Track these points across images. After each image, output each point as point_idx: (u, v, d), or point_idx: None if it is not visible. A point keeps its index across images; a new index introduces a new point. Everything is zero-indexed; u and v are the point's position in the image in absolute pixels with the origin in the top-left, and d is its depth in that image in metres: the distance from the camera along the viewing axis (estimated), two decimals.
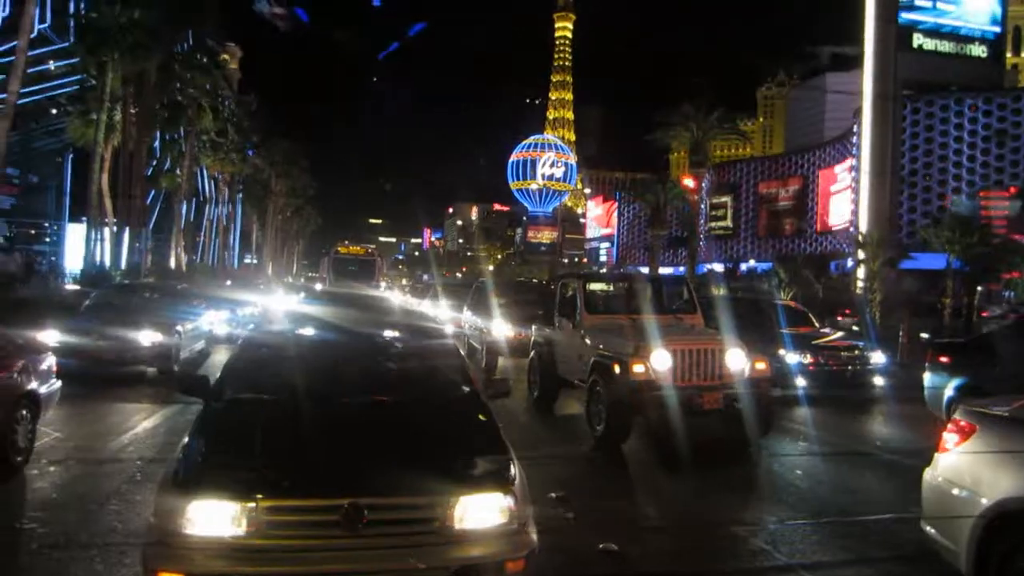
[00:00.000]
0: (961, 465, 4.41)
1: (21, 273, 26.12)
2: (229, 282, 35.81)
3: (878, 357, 12.30)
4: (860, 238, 34.33)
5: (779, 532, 5.90)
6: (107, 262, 26.10)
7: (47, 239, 43.19)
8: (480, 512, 3.80)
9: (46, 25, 28.49)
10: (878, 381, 11.91)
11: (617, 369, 8.86)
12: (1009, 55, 78.72)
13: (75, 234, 34.83)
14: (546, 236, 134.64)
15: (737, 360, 8.93)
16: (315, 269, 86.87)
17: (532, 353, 11.87)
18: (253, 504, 3.60)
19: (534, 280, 20.44)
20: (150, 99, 26.39)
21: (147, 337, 12.33)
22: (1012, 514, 3.90)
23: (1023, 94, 50.55)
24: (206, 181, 44.72)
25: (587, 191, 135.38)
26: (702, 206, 76.42)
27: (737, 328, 10.09)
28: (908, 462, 8.67)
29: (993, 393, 8.45)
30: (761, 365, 9.06)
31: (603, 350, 9.39)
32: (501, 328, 15.04)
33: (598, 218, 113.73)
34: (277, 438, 4.18)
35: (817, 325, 14.34)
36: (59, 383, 7.89)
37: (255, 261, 63.95)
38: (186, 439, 4.24)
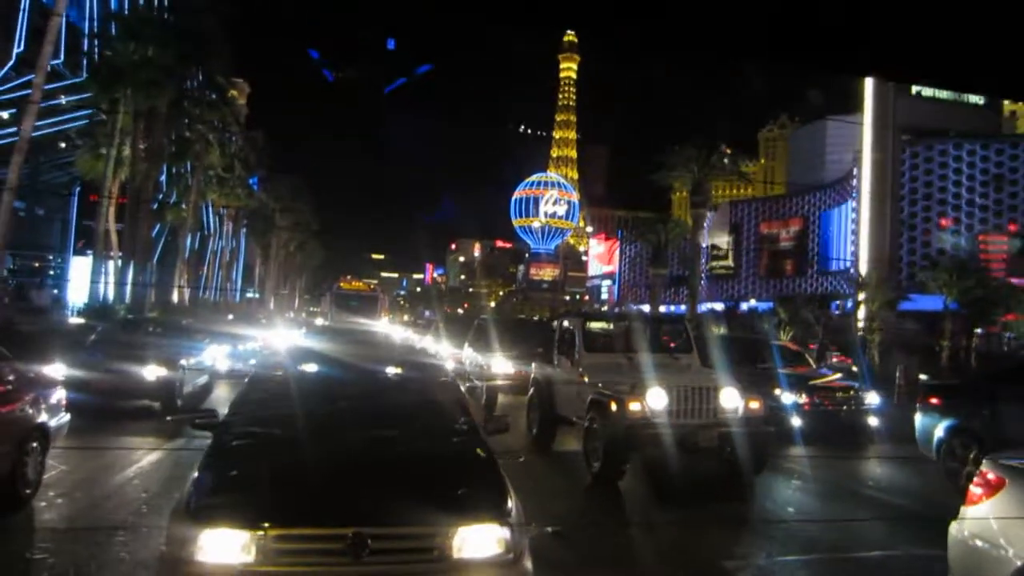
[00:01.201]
0: (990, 520, 4.19)
1: (48, 307, 26.34)
2: (231, 316, 36.00)
3: (873, 398, 12.45)
4: (860, 279, 34.60)
5: (767, 567, 6.06)
6: (111, 296, 26.38)
7: (51, 272, 43.56)
8: (477, 542, 3.97)
9: (59, 61, 29.06)
10: (873, 422, 12.04)
11: (614, 407, 9.02)
12: (1008, 102, 79.81)
13: (79, 267, 35.17)
14: (548, 273, 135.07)
15: (732, 399, 9.10)
16: (317, 304, 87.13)
17: (531, 390, 12.03)
18: (262, 533, 3.79)
19: (535, 317, 20.66)
20: (159, 134, 26.85)
21: (151, 372, 12.54)
22: None
23: (1020, 140, 51.15)
24: (210, 215, 45.18)
25: (589, 229, 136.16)
26: (704, 246, 77.06)
27: (732, 367, 10.26)
28: (899, 501, 9.15)
29: (982, 435, 8.67)
30: (755, 404, 9.22)
31: (601, 388, 9.55)
32: (501, 365, 15.21)
33: (600, 256, 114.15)
34: (284, 470, 4.34)
35: (813, 365, 14.49)
36: (68, 416, 7.99)
37: (257, 295, 64.21)
38: (196, 471, 4.43)
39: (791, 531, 7.37)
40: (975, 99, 52.71)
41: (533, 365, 12.35)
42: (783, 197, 77.13)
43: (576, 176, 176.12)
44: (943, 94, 51.68)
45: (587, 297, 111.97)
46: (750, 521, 7.81)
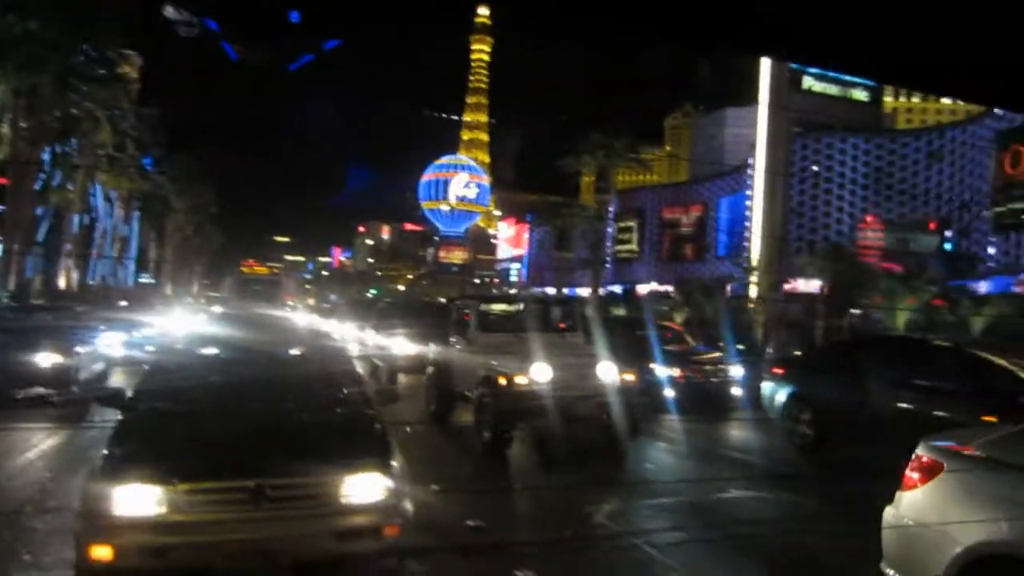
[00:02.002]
0: (927, 506, 4.18)
1: None
2: (124, 303, 34.75)
3: (737, 371, 13.62)
4: (749, 264, 36.57)
5: (619, 510, 7.11)
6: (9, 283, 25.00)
7: None
8: (363, 489, 4.67)
9: None
10: (736, 392, 13.21)
11: (502, 381, 9.62)
12: (891, 99, 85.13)
13: None
14: (458, 256, 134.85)
15: (609, 372, 9.83)
16: (217, 289, 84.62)
17: (430, 369, 12.50)
18: (172, 487, 4.31)
19: (440, 300, 21.10)
20: (42, 113, 25.49)
21: (46, 359, 12.41)
22: (985, 560, 3.74)
23: (898, 135, 54.72)
24: (100, 197, 43.18)
25: (497, 212, 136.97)
26: (609, 230, 79.00)
27: (615, 345, 11.00)
28: (742, 456, 10.52)
29: (812, 400, 9.93)
30: (630, 377, 10.04)
31: (491, 364, 10.10)
32: (401, 346, 15.57)
33: (510, 239, 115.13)
34: (190, 435, 4.89)
35: (692, 343, 15.53)
36: None
37: (152, 281, 61.89)
38: (108, 440, 4.85)
39: (648, 484, 8.50)
40: (860, 95, 55.98)
41: (431, 345, 12.79)
42: (685, 184, 79.79)
43: (487, 159, 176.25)
44: (832, 89, 54.67)
45: (497, 280, 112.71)
46: (617, 477, 8.69)
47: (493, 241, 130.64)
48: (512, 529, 6.56)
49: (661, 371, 12.59)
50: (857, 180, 53.10)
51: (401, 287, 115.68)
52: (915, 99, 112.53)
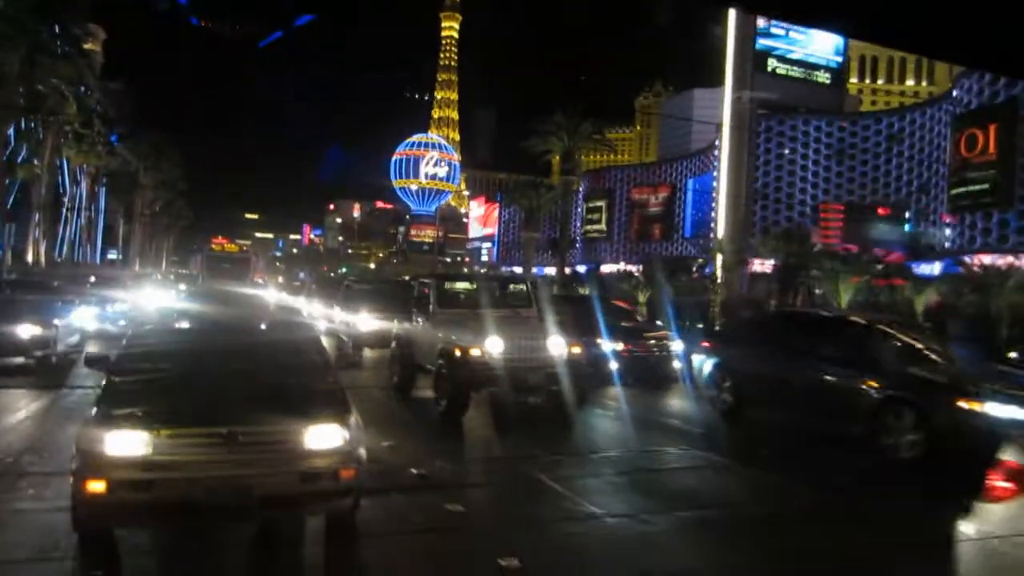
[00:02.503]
0: None
1: None
2: (93, 279, 34.83)
3: (678, 345, 14.53)
4: (714, 244, 37.60)
5: (551, 464, 7.92)
6: None
7: None
8: (323, 437, 5.35)
9: None
10: (676, 365, 14.15)
11: (458, 353, 10.29)
12: (855, 80, 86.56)
13: None
14: (428, 235, 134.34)
15: (558, 346, 10.57)
16: (185, 266, 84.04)
17: (393, 344, 13.14)
18: (156, 432, 5.03)
19: (406, 278, 21.70)
20: (9, 91, 25.45)
21: (26, 331, 13.06)
22: None
23: (859, 118, 55.92)
24: (67, 173, 42.86)
25: (466, 192, 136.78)
26: (578, 209, 79.81)
27: (566, 320, 11.75)
28: (671, 421, 11.57)
29: (733, 370, 10.98)
30: (577, 350, 10.80)
31: (449, 338, 10.77)
32: (367, 322, 16.19)
33: (480, 218, 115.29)
34: (171, 392, 5.65)
35: (640, 320, 16.40)
36: None
37: (119, 257, 61.57)
38: (98, 396, 5.58)
39: (583, 444, 9.50)
40: (823, 78, 57.06)
41: (395, 321, 13.42)
42: (654, 164, 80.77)
43: (458, 137, 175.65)
44: (795, 72, 55.66)
45: (467, 259, 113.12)
46: (558, 439, 9.48)
47: (464, 220, 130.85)
48: (451, 477, 7.48)
49: (607, 345, 13.38)
50: (820, 162, 54.35)
51: (372, 265, 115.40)
52: (880, 80, 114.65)
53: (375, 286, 20.49)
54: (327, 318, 18.90)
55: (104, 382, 5.82)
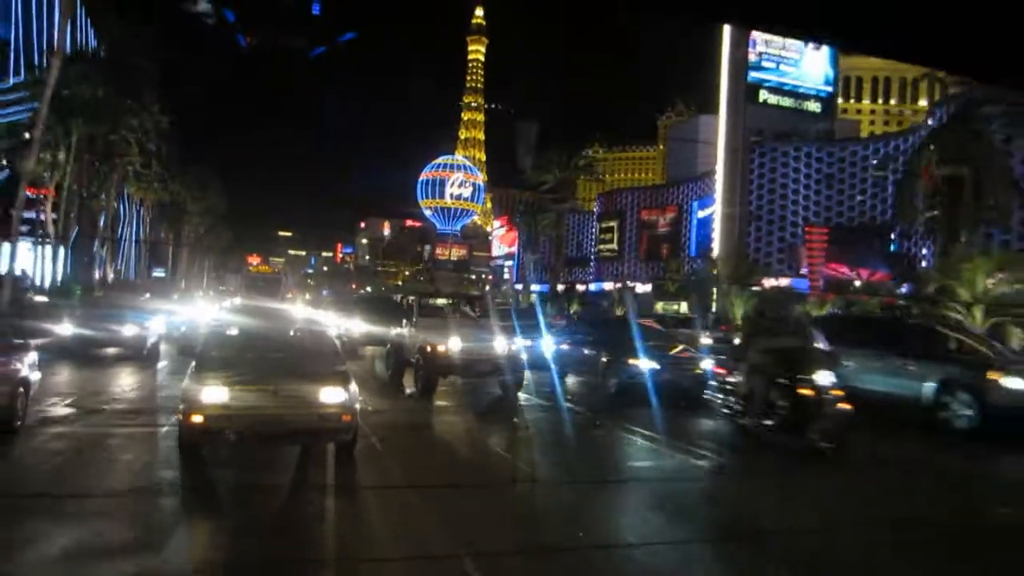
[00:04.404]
0: None
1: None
2: (148, 295, 40.10)
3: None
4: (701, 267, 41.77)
5: (500, 438, 11.93)
6: (58, 277, 30.80)
7: None
8: (331, 394, 8.40)
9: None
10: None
11: (429, 349, 14.79)
12: (843, 101, 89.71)
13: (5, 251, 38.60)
14: (453, 253, 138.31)
15: (502, 344, 15.03)
16: (224, 283, 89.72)
17: (388, 345, 17.73)
18: (230, 387, 8.17)
19: (397, 295, 28.08)
20: (96, 149, 31.02)
21: (129, 330, 18.50)
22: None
23: (848, 144, 59.55)
24: (126, 203, 48.64)
25: (489, 208, 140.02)
26: (592, 230, 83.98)
27: (515, 325, 16.29)
28: (570, 404, 15.66)
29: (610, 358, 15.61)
30: (515, 347, 15.22)
31: (425, 338, 15.27)
32: (364, 327, 21.07)
33: (503, 237, 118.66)
34: (236, 366, 9.15)
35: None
36: (39, 374, 10.79)
37: (164, 275, 67.38)
38: (191, 369, 9.09)
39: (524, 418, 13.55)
40: (813, 107, 60.98)
41: (389, 328, 18.02)
42: (662, 186, 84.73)
43: (484, 158, 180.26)
44: (785, 102, 59.66)
45: (491, 276, 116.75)
46: (499, 416, 13.78)
47: (489, 239, 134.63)
48: (403, 446, 10.96)
49: (546, 344, 17.97)
50: (811, 186, 58.08)
51: (400, 283, 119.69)
52: (892, 100, 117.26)
53: (375, 301, 25.49)
54: (338, 325, 23.79)
55: (194, 362, 9.06)
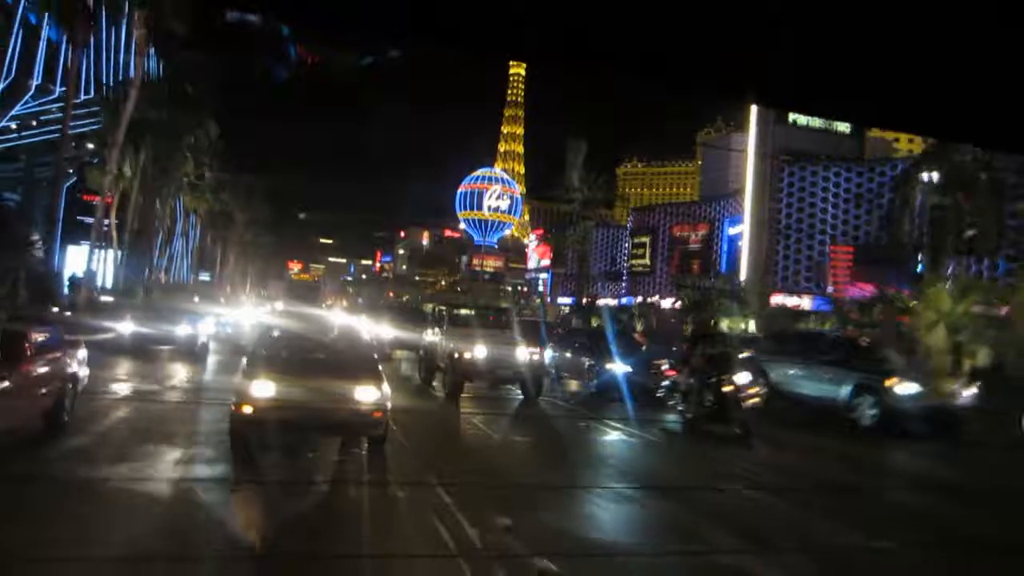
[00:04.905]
0: None
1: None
2: (197, 298, 42.82)
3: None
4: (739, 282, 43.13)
5: (505, 435, 13.79)
6: (120, 279, 33.71)
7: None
8: (365, 392, 9.21)
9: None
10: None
11: (456, 356, 16.55)
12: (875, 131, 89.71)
13: (72, 255, 41.69)
14: (490, 265, 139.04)
15: (523, 353, 16.72)
16: (265, 288, 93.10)
17: (420, 351, 19.61)
18: (278, 383, 8.98)
19: (428, 305, 30.69)
20: (160, 165, 33.98)
21: (182, 329, 20.09)
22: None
23: (876, 164, 60.20)
24: (180, 212, 51.81)
25: (527, 221, 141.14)
26: (625, 245, 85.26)
27: (543, 336, 18.37)
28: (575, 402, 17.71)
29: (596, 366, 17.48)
30: (537, 357, 16.93)
31: (453, 346, 17.06)
32: (393, 333, 23.08)
33: (538, 250, 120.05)
34: (283, 364, 9.94)
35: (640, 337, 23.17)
36: (88, 369, 10.83)
37: (208, 278, 70.60)
38: (243, 365, 10.36)
39: (540, 416, 15.54)
40: (843, 127, 61.80)
41: (423, 334, 19.91)
42: (695, 203, 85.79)
43: (523, 170, 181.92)
44: (815, 123, 60.58)
45: (526, 288, 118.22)
46: (520, 416, 15.54)
47: (526, 251, 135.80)
48: (432, 442, 12.06)
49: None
50: (839, 205, 58.87)
51: (435, 292, 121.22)
52: None
53: (402, 309, 27.85)
54: (370, 330, 25.89)
55: (245, 359, 10.27)
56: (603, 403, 16.89)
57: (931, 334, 23.81)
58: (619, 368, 17.65)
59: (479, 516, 7.06)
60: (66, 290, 30.13)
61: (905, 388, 14.61)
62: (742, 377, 13.41)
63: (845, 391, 15.30)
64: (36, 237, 25.48)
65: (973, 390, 15.66)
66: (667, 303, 66.07)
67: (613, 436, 13.69)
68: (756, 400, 13.69)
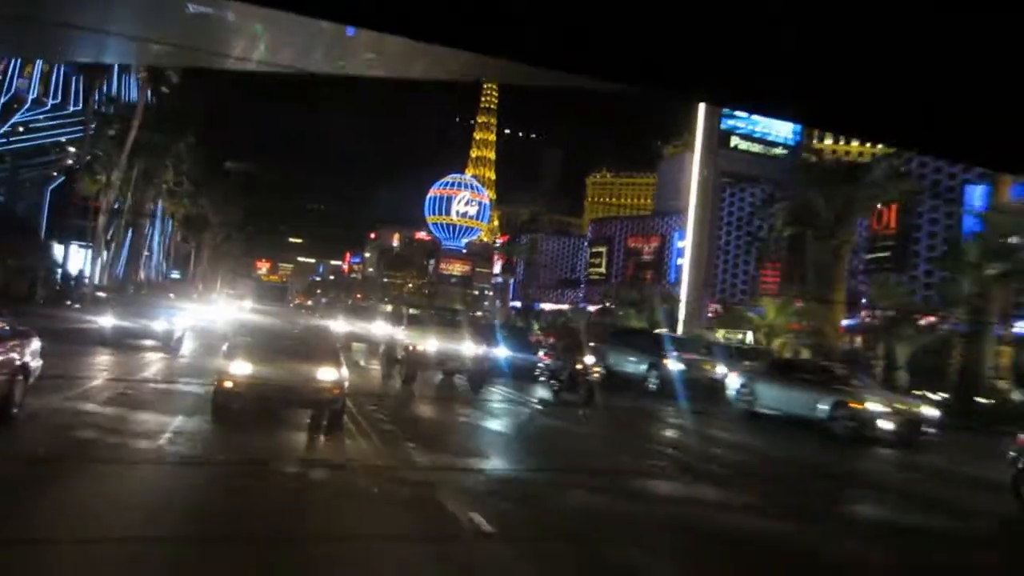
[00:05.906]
0: None
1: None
2: (172, 295, 46.13)
3: None
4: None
5: (451, 413, 17.96)
6: (105, 277, 37.47)
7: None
8: (326, 373, 10.94)
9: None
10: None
11: (410, 348, 20.39)
12: (817, 142, 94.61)
13: (62, 253, 45.09)
14: (457, 269, 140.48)
15: (470, 347, 20.53)
16: (234, 287, 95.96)
17: (383, 345, 23.47)
18: (255, 364, 10.78)
19: (387, 304, 35.48)
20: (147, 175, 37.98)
21: (160, 324, 21.18)
22: None
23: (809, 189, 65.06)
24: (159, 216, 55.44)
25: (496, 226, 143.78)
26: (583, 254, 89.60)
27: (497, 336, 22.69)
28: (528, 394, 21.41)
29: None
30: (482, 350, 20.70)
31: (408, 340, 20.83)
32: (347, 327, 27.02)
33: (501, 257, 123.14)
34: (258, 349, 11.65)
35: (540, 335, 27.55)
36: (41, 361, 10.53)
37: (179, 276, 73.65)
38: (224, 349, 13.21)
39: (463, 402, 18.39)
40: (779, 152, 66.96)
41: (388, 331, 23.81)
42: (648, 216, 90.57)
43: (493, 176, 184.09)
44: (755, 147, 65.63)
45: (492, 293, 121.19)
46: (457, 400, 18.61)
47: (492, 256, 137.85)
48: (389, 415, 16.01)
49: (502, 350, 23.86)
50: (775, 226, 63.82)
51: (402, 295, 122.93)
52: (827, 141, 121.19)
53: (360, 308, 32.30)
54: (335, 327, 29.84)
55: (225, 346, 12.20)
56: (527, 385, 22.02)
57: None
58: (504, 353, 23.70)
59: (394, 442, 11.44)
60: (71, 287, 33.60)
61: (675, 365, 23.44)
62: (588, 359, 18.86)
63: (643, 367, 24.41)
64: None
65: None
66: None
67: (502, 403, 19.17)
68: (596, 376, 19.00)
